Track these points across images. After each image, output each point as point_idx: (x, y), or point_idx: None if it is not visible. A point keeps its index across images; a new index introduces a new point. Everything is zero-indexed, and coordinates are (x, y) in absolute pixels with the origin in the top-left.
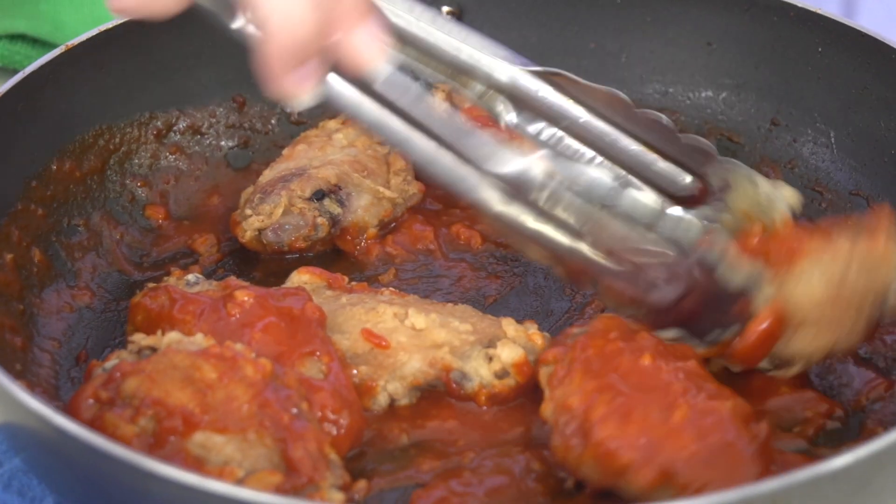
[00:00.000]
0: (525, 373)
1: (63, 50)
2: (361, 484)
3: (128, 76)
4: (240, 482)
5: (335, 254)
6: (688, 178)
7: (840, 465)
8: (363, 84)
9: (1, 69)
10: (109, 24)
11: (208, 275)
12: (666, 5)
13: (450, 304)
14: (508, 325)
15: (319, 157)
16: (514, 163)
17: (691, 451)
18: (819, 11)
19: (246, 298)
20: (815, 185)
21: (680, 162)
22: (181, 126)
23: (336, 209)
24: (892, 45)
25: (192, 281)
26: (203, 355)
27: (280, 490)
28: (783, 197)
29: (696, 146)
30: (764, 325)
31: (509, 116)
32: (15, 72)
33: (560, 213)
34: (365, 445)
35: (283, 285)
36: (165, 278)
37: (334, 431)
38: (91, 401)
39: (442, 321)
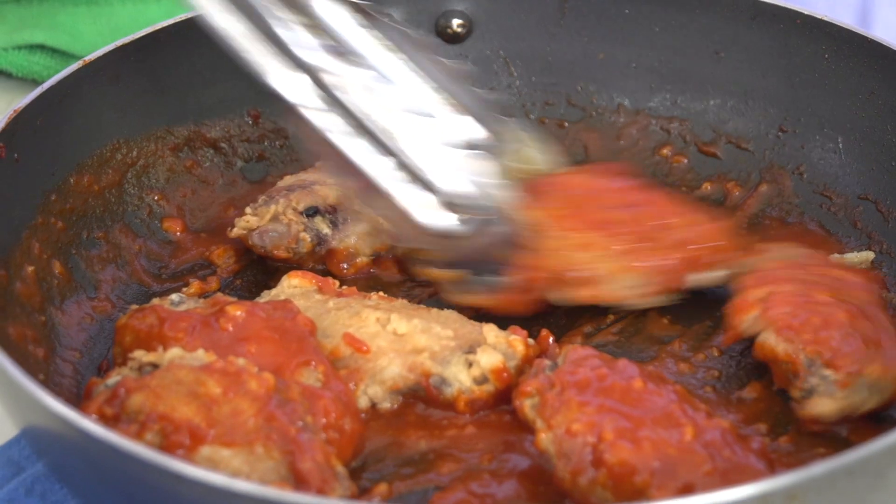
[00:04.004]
0: (504, 379)
1: (81, 65)
2: (382, 487)
3: (144, 91)
4: (266, 487)
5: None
6: (483, 132)
7: (855, 459)
8: None
9: (20, 80)
10: (126, 40)
11: (226, 285)
12: (673, 15)
13: (435, 310)
14: (489, 332)
15: None
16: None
17: (709, 468)
18: (825, 18)
19: (238, 313)
20: (823, 189)
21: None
22: (197, 140)
23: (325, 229)
24: None
25: (176, 301)
26: (207, 370)
27: None
28: (546, 159)
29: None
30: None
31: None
32: (34, 82)
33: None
34: (384, 451)
35: (274, 290)
36: (154, 300)
37: (338, 437)
38: (95, 417)
39: (424, 326)
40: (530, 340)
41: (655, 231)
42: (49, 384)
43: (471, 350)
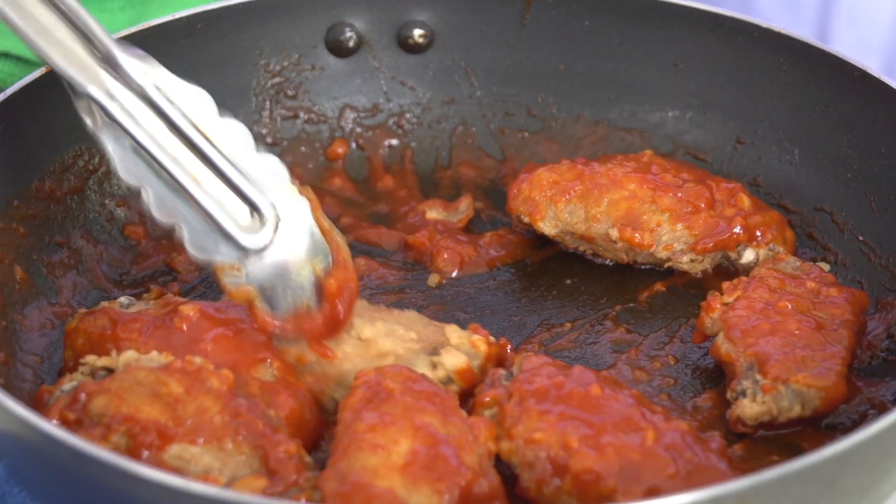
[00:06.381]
0: (468, 378)
1: (44, 72)
2: None
3: None
4: (224, 489)
5: None
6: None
7: (806, 465)
8: None
9: None
10: None
11: (187, 292)
12: (632, 27)
13: (396, 311)
14: (452, 332)
15: None
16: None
17: (672, 471)
18: (783, 31)
19: (192, 313)
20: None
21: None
22: None
23: None
24: (853, 63)
25: (125, 303)
26: (166, 370)
27: (267, 494)
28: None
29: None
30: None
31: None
32: None
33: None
34: None
35: None
36: (103, 302)
37: (299, 430)
38: (57, 422)
39: (387, 330)
40: (492, 338)
41: (708, 201)
42: (9, 388)
43: (434, 352)
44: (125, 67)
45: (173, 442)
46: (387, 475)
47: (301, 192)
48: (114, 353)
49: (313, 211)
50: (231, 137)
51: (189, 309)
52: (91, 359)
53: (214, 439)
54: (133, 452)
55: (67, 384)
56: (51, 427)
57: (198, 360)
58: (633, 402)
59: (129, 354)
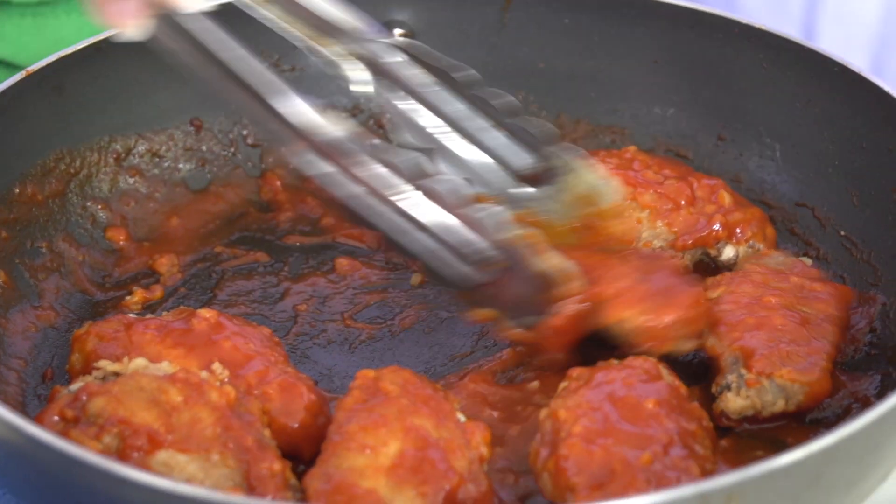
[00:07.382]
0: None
1: (23, 75)
2: None
3: (87, 101)
4: (212, 490)
5: None
6: (528, 158)
7: (792, 460)
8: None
9: None
10: (69, 50)
11: (169, 294)
12: (612, 24)
13: None
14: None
15: None
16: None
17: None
18: (763, 28)
19: (209, 315)
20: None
21: (523, 140)
22: (140, 149)
23: None
24: (834, 58)
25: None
26: (169, 380)
27: None
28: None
29: (541, 127)
30: (568, 313)
31: (357, 77)
32: None
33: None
34: None
35: None
36: (127, 297)
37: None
38: (56, 418)
39: None
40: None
41: (688, 198)
42: None
43: None
44: None
45: (162, 448)
46: (372, 476)
47: (515, 241)
48: (125, 359)
49: (532, 255)
50: (445, 191)
51: (207, 312)
52: (104, 363)
53: (202, 450)
54: (122, 455)
55: (75, 384)
56: (36, 430)
57: (204, 374)
58: (673, 431)
59: (139, 361)
